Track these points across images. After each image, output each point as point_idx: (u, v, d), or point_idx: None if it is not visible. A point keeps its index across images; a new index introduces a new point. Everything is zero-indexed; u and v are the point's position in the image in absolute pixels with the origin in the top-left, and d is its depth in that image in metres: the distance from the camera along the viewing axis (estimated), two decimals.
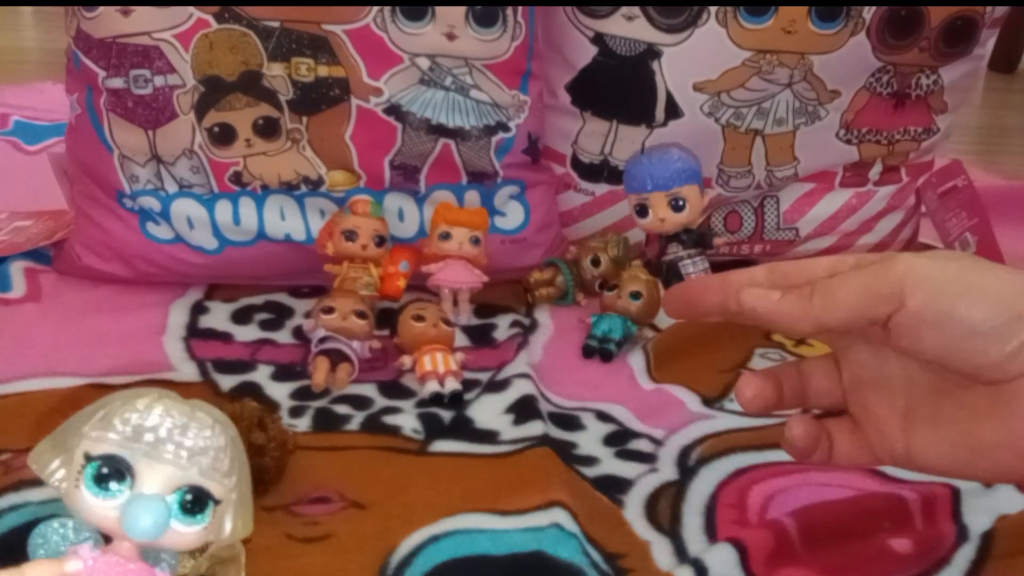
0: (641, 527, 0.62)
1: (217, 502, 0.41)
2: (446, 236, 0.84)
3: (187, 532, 0.41)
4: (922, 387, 0.46)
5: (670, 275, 0.58)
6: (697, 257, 0.59)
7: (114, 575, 0.41)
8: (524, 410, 0.72)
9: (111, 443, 0.40)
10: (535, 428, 0.70)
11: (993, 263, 0.44)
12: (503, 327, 0.84)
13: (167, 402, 0.41)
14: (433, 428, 0.71)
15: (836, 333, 0.48)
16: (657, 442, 0.71)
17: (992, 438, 0.43)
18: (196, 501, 0.40)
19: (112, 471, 0.40)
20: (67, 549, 0.42)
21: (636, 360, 0.80)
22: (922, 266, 0.43)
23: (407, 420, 0.72)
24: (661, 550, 0.60)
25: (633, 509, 0.64)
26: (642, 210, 0.59)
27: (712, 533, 0.62)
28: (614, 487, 0.66)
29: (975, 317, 0.41)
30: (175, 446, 0.40)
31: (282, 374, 0.76)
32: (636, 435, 0.71)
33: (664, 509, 0.64)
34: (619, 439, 0.71)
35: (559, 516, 0.60)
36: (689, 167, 0.58)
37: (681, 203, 0.58)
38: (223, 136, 0.82)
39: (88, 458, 0.40)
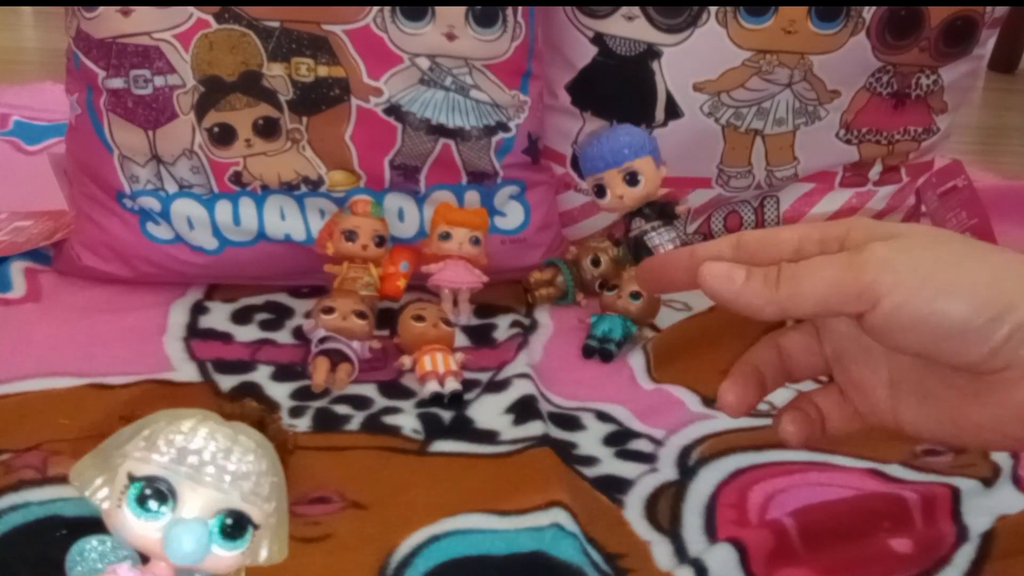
0: (641, 527, 0.62)
1: (256, 527, 0.41)
2: (446, 236, 0.84)
3: (225, 556, 0.41)
4: (904, 363, 0.45)
5: (638, 249, 0.57)
6: (662, 228, 0.58)
7: None
8: (524, 410, 0.72)
9: (155, 464, 0.40)
10: (535, 428, 0.70)
11: (971, 243, 0.42)
12: (503, 327, 0.84)
13: (211, 424, 0.41)
14: (433, 428, 0.71)
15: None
16: (657, 442, 0.71)
17: (977, 419, 0.42)
18: (236, 526, 0.40)
19: (155, 492, 0.40)
20: (104, 567, 0.42)
21: (636, 360, 0.80)
22: (896, 263, 0.41)
23: (407, 420, 0.72)
24: (661, 550, 0.60)
25: (633, 509, 0.64)
26: (600, 191, 0.58)
27: (712, 533, 0.62)
28: (614, 487, 0.66)
29: (955, 316, 0.40)
30: (218, 470, 0.40)
31: (282, 374, 0.76)
32: (636, 435, 0.71)
33: (664, 509, 0.64)
34: (619, 439, 0.71)
35: (559, 516, 0.60)
36: (638, 140, 0.58)
37: (637, 177, 0.57)
38: (223, 136, 0.82)
39: (132, 478, 0.40)
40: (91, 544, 0.43)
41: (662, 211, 0.60)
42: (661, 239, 0.57)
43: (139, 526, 0.40)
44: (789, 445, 0.48)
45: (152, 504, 0.40)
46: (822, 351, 0.48)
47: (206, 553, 0.40)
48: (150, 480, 0.40)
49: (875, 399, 0.46)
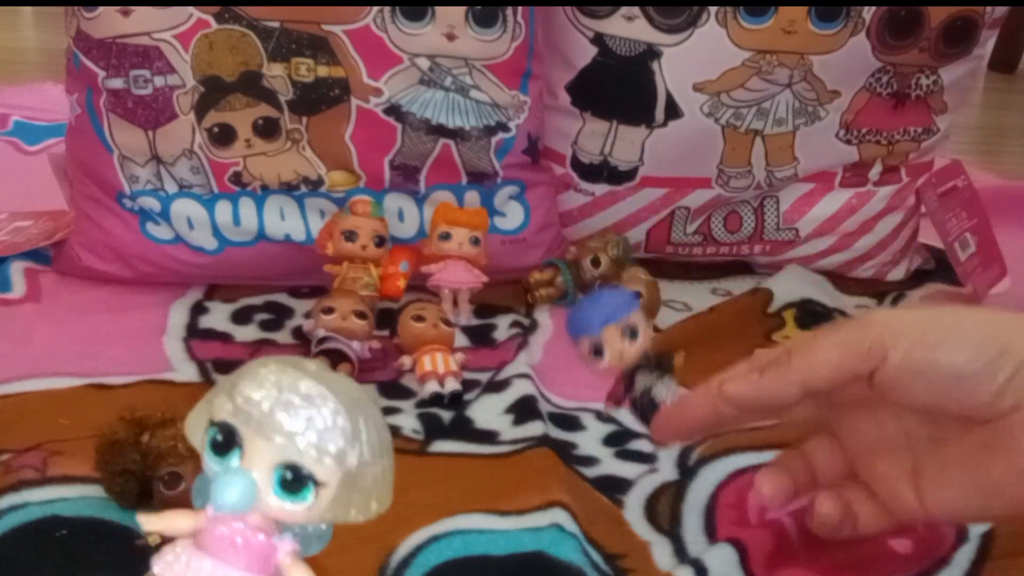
0: (641, 527, 0.62)
1: (317, 483, 0.39)
2: (446, 236, 0.84)
3: (291, 509, 0.39)
4: (922, 440, 0.46)
5: (645, 408, 0.57)
6: (666, 379, 0.58)
7: (227, 531, 0.40)
8: (524, 410, 0.72)
9: (227, 412, 0.39)
10: (535, 428, 0.70)
11: (965, 307, 0.46)
12: (503, 327, 0.84)
13: (291, 374, 0.39)
14: (433, 428, 0.71)
15: (823, 400, 0.49)
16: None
17: (1000, 476, 0.43)
18: (295, 480, 0.39)
19: (225, 439, 0.39)
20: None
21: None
22: (897, 318, 0.43)
23: (407, 420, 0.72)
24: (661, 550, 0.60)
25: (633, 509, 0.64)
26: (598, 351, 0.58)
27: (712, 533, 0.62)
28: (614, 487, 0.66)
29: (959, 361, 0.42)
30: (277, 423, 0.38)
31: None
32: (636, 435, 0.71)
33: (664, 509, 0.64)
34: (619, 439, 0.71)
35: (559, 516, 0.60)
36: (628, 296, 0.58)
37: (636, 331, 0.57)
38: (223, 136, 0.82)
39: (211, 423, 0.39)
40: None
41: (659, 363, 0.59)
42: (669, 391, 0.56)
43: (211, 471, 0.39)
44: (824, 531, 0.50)
45: (225, 452, 0.39)
46: (844, 454, 0.50)
47: (250, 503, 0.39)
48: (221, 426, 0.39)
49: (900, 489, 0.47)
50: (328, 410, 0.39)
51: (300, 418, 0.38)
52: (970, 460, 0.44)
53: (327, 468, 0.39)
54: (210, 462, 0.39)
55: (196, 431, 0.40)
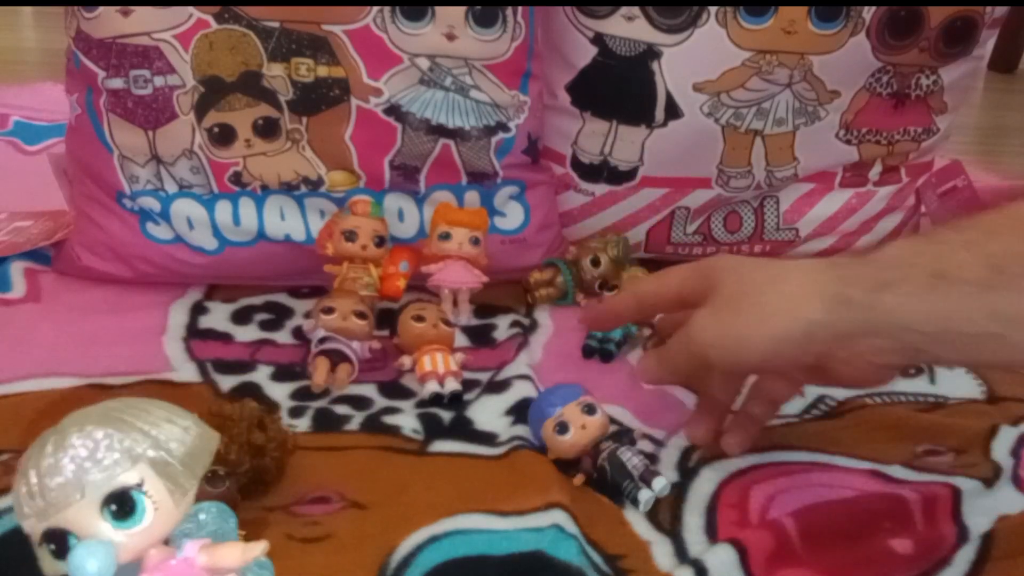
0: (642, 527, 0.62)
1: (138, 485, 0.40)
2: (446, 236, 0.84)
3: (148, 525, 0.40)
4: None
5: (615, 471, 0.63)
6: (627, 446, 0.65)
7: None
8: (523, 412, 0.72)
9: (36, 524, 0.40)
10: None
11: (749, 296, 0.60)
12: (503, 327, 0.84)
13: (32, 453, 0.40)
14: (433, 428, 0.71)
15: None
16: (658, 442, 0.71)
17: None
18: (121, 505, 0.40)
19: (57, 541, 0.40)
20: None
21: (636, 360, 0.80)
22: (725, 267, 0.62)
23: (407, 420, 0.72)
24: (661, 551, 0.60)
25: (634, 509, 0.64)
26: (562, 428, 0.64)
27: (713, 534, 0.62)
28: (618, 494, 0.66)
29: (753, 359, 0.60)
30: (59, 487, 0.39)
31: (282, 374, 0.76)
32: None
33: (665, 509, 0.64)
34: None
35: (558, 518, 0.60)
36: (579, 385, 0.67)
37: (594, 407, 0.66)
38: (223, 136, 0.82)
39: (40, 544, 0.41)
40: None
41: (619, 434, 0.66)
42: (633, 453, 0.65)
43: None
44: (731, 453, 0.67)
45: (63, 554, 0.40)
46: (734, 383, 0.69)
47: (112, 559, 0.39)
48: (47, 536, 0.40)
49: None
50: (80, 440, 0.40)
51: (71, 463, 0.40)
52: None
53: (136, 468, 0.40)
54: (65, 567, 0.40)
55: (49, 566, 0.41)
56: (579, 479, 0.65)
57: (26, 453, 0.41)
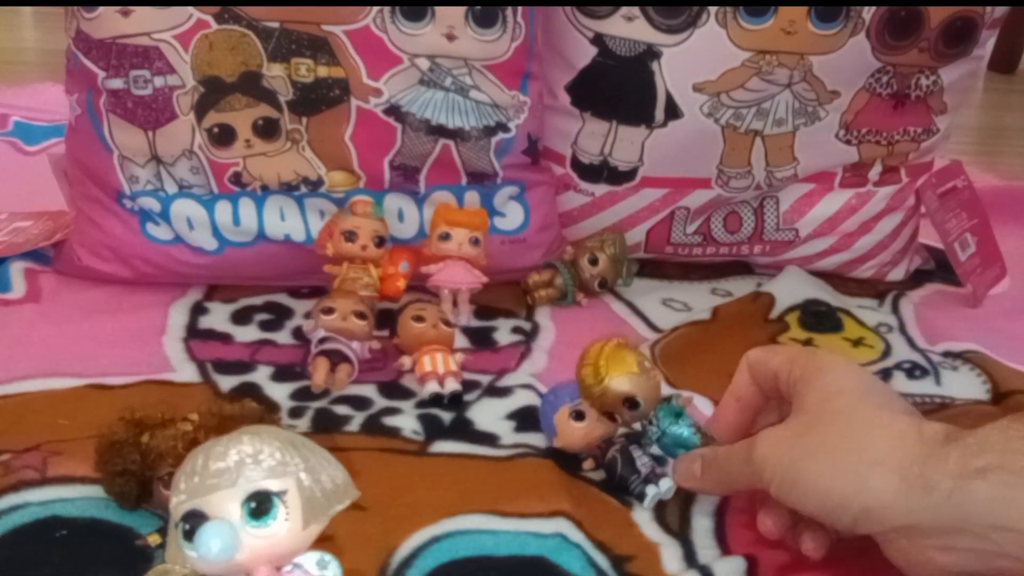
0: (650, 529, 0.62)
1: (281, 493, 0.44)
2: (446, 237, 0.84)
3: (272, 532, 0.44)
4: None
5: (624, 464, 0.64)
6: (637, 445, 0.65)
7: None
8: (526, 420, 0.72)
9: (178, 500, 0.44)
10: (538, 440, 0.70)
11: (838, 428, 0.54)
12: (503, 330, 0.84)
13: (210, 445, 0.45)
14: (433, 429, 0.71)
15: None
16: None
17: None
18: (260, 505, 0.44)
19: (192, 522, 0.44)
20: None
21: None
22: (771, 460, 0.56)
23: (407, 421, 0.72)
24: (670, 553, 0.60)
25: (642, 511, 0.63)
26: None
27: (722, 537, 0.62)
28: (623, 489, 0.66)
29: (806, 509, 0.55)
30: (218, 472, 0.44)
31: (282, 375, 0.76)
32: None
33: (673, 512, 0.64)
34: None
35: (562, 526, 0.60)
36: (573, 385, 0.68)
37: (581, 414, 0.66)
38: (223, 137, 0.82)
39: (176, 523, 0.45)
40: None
41: (631, 436, 0.67)
42: (643, 452, 0.65)
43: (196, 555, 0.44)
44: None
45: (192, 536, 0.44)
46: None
47: (235, 544, 0.43)
48: (185, 517, 0.44)
49: None
50: (250, 441, 0.45)
51: (229, 459, 0.44)
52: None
53: (280, 478, 0.44)
54: (191, 552, 0.44)
55: (176, 558, 0.45)
56: (589, 463, 0.65)
57: (204, 444, 0.46)
